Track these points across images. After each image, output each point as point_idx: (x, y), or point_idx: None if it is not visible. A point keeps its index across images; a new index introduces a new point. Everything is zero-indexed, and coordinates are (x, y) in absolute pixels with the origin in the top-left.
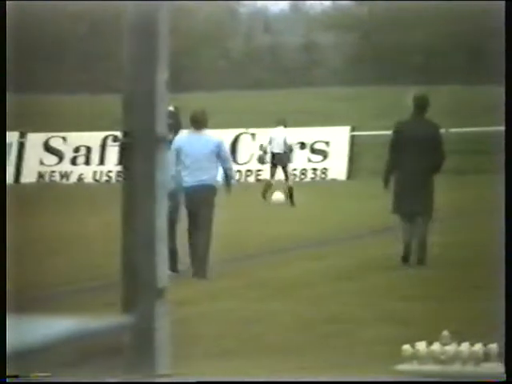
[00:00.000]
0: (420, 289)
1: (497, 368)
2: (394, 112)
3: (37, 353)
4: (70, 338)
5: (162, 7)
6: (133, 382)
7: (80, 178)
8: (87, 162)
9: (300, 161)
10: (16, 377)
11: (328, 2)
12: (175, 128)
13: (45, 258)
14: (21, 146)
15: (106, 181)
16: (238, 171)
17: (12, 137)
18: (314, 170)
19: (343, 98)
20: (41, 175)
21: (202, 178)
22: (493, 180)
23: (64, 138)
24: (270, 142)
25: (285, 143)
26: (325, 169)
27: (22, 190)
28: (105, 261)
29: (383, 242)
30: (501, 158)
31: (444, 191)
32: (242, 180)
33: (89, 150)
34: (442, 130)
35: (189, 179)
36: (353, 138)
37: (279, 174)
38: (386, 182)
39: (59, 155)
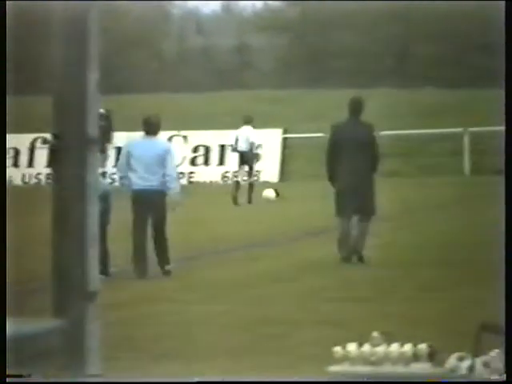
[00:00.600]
0: (355, 290)
1: (426, 368)
2: (326, 114)
3: None
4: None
5: (92, 8)
6: (148, 382)
7: (9, 181)
8: (15, 164)
9: (232, 163)
10: (16, 377)
11: (260, 3)
12: (107, 130)
13: None
14: None
15: (36, 183)
16: None
17: None
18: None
19: (275, 101)
20: None
21: (152, 182)
22: (409, 183)
23: None
24: (236, 142)
25: (247, 141)
26: (257, 171)
27: None
28: (34, 265)
29: (319, 244)
30: (479, 159)
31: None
32: None
33: (17, 152)
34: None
35: (138, 183)
36: (285, 141)
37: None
38: (331, 181)
39: None
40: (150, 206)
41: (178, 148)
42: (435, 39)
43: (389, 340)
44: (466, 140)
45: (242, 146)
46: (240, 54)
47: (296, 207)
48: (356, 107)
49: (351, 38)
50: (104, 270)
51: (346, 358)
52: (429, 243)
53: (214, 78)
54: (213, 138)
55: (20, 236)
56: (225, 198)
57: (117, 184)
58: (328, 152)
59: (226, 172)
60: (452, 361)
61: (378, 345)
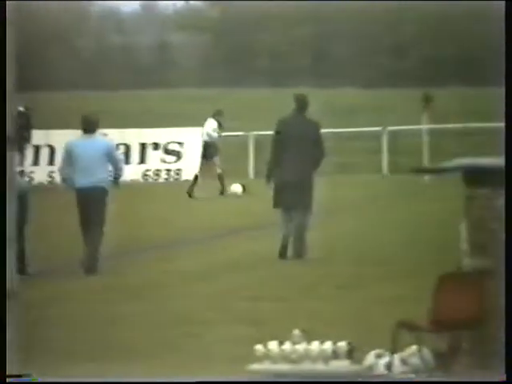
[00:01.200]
0: (277, 288)
1: (345, 366)
2: (246, 113)
3: None
4: None
5: (9, 7)
6: (172, 382)
7: None
8: None
9: (153, 161)
10: (16, 377)
11: (181, 3)
12: (26, 128)
13: None
14: None
15: None
16: None
17: None
18: (168, 170)
19: (196, 99)
20: None
21: (93, 179)
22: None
23: None
24: (203, 134)
25: (207, 134)
26: (178, 170)
27: None
28: None
29: (244, 241)
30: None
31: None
32: None
33: None
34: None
35: (80, 181)
36: None
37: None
38: (268, 178)
39: None
40: (92, 203)
41: None
42: (347, 40)
43: (309, 338)
44: (385, 139)
45: (204, 137)
46: (160, 53)
47: (216, 205)
48: (301, 104)
49: (269, 37)
50: (22, 269)
51: (266, 357)
52: (344, 242)
53: (135, 76)
54: (133, 136)
55: None
56: (151, 197)
57: (34, 183)
58: (272, 148)
59: (147, 170)
60: (370, 358)
61: (298, 343)
